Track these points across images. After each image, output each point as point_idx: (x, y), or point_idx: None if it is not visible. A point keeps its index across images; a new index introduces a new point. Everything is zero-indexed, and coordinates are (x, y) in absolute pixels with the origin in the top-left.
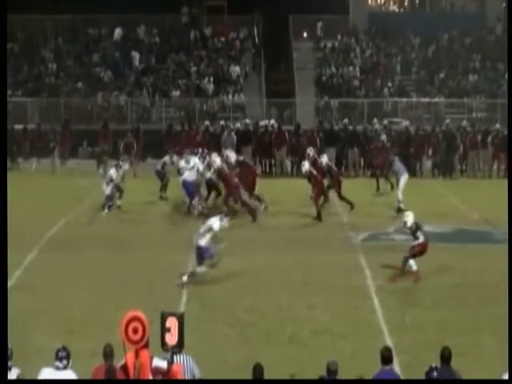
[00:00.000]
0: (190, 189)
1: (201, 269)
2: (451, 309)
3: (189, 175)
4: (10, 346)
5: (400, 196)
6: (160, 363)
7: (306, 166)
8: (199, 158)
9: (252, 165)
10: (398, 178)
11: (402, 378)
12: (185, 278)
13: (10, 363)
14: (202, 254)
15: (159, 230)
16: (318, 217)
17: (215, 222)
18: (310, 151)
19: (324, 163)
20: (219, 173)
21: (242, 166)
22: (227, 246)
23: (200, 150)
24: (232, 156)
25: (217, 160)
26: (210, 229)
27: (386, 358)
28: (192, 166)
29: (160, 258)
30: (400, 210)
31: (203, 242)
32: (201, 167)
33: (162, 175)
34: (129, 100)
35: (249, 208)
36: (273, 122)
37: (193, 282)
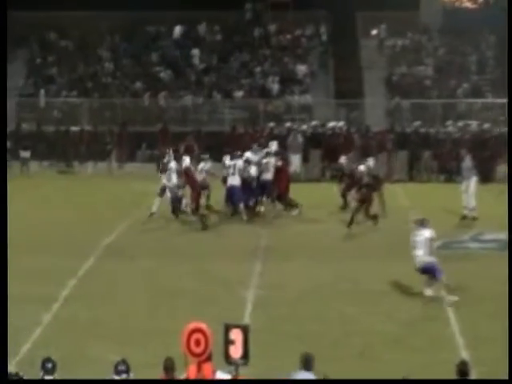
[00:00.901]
0: (239, 193)
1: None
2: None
3: (233, 179)
4: (56, 356)
5: (471, 202)
6: (223, 377)
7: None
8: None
9: (287, 169)
10: (468, 182)
11: None
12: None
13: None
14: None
15: (218, 237)
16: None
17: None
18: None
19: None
20: (186, 173)
21: (276, 170)
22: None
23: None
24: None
25: (187, 159)
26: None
27: (462, 371)
28: (233, 171)
29: (221, 266)
30: (474, 219)
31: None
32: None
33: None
34: (190, 100)
35: (200, 216)
36: (342, 123)
37: (256, 290)
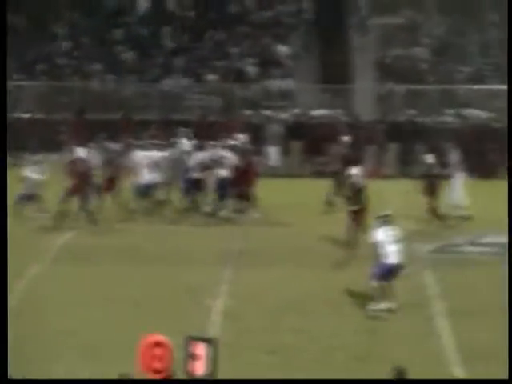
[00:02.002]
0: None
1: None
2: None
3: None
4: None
5: (458, 200)
6: None
7: None
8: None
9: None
10: (454, 179)
11: None
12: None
13: None
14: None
15: (187, 241)
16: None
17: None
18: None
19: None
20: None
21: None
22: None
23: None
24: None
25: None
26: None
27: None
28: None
29: (189, 273)
30: (464, 218)
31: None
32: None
33: None
34: (156, 85)
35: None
36: (327, 112)
37: (227, 301)
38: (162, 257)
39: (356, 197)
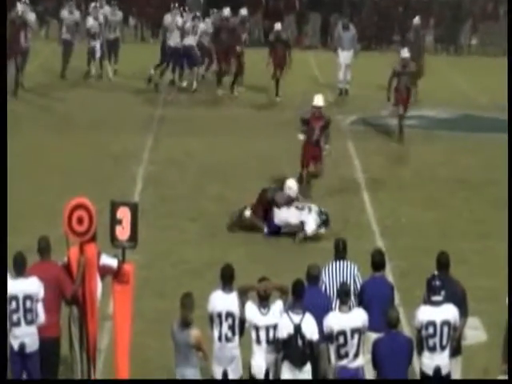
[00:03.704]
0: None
1: None
2: (452, 209)
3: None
4: None
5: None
6: (109, 261)
7: None
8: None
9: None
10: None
11: (395, 286)
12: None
13: None
14: None
15: (118, 107)
16: None
17: None
18: None
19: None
20: None
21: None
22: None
23: None
24: None
25: None
26: None
27: (378, 263)
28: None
29: (115, 139)
30: (346, 93)
31: None
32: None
33: None
34: None
35: None
36: None
37: (151, 167)
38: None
39: None
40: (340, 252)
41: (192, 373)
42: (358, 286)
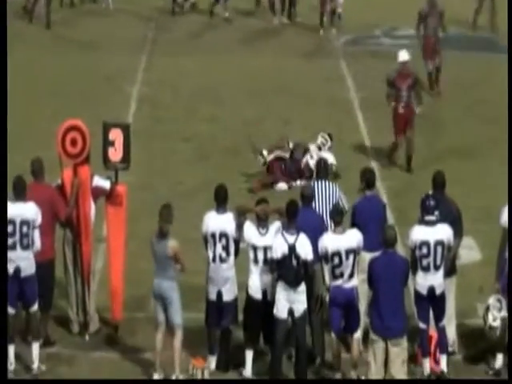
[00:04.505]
0: None
1: None
2: (446, 129)
3: None
4: None
5: None
6: (101, 183)
7: None
8: None
9: None
10: None
11: (389, 206)
12: None
13: None
14: None
15: (112, 29)
16: None
17: None
18: None
19: None
20: None
21: None
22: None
23: None
24: None
25: None
26: None
27: (368, 181)
28: None
29: (108, 60)
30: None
31: None
32: None
33: None
34: None
35: None
36: None
37: (144, 88)
38: (81, 44)
39: None
40: (321, 172)
41: (168, 285)
42: (345, 205)
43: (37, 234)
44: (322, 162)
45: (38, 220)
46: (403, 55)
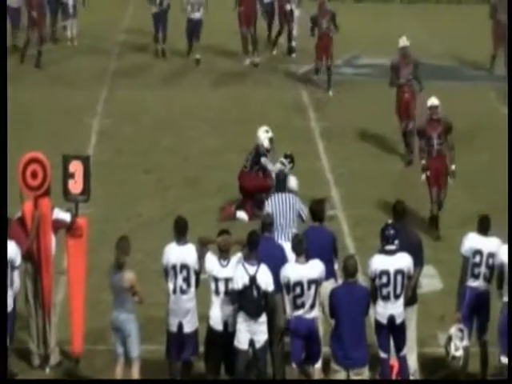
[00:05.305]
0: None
1: None
2: (407, 157)
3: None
4: None
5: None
6: (62, 215)
7: None
8: None
9: None
10: None
11: (350, 235)
12: None
13: None
14: None
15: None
16: None
17: None
18: None
19: None
20: None
21: None
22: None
23: None
24: None
25: None
26: None
27: (315, 212)
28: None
29: (69, 93)
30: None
31: None
32: None
33: None
34: None
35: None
36: None
37: (105, 121)
38: (44, 77)
39: None
40: (280, 183)
41: (126, 317)
42: (306, 216)
43: (16, 274)
44: (281, 174)
45: (18, 260)
46: (403, 40)
